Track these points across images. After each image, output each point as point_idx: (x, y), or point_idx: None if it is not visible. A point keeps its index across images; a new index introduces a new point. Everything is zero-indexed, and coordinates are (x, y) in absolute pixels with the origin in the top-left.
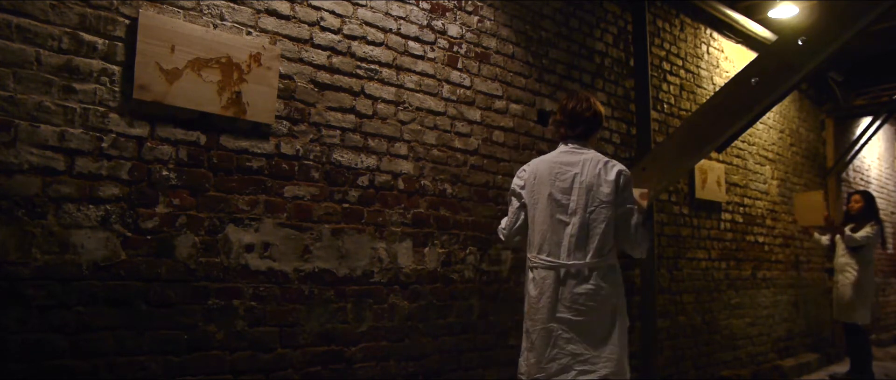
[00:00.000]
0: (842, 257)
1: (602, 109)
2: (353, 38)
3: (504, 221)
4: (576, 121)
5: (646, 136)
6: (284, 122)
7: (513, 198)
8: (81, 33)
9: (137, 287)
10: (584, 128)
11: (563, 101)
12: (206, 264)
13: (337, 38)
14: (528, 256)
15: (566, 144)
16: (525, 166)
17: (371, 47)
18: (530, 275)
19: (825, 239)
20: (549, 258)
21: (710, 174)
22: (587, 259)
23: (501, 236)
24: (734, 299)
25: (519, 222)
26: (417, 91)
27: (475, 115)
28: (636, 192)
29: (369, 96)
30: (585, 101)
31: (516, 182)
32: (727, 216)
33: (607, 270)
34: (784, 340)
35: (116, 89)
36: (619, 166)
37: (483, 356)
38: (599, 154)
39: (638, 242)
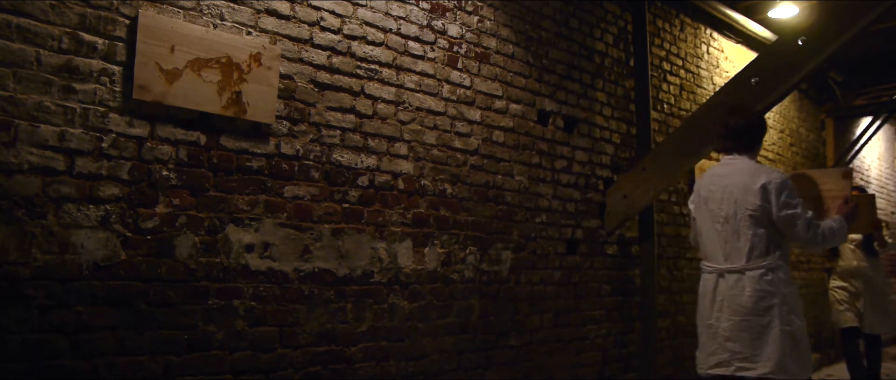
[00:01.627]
0: (862, 262)
1: (763, 115)
2: (353, 38)
3: (692, 232)
4: (738, 134)
5: (646, 136)
6: (284, 122)
7: (691, 213)
8: (81, 33)
9: (137, 287)
10: (747, 139)
11: (724, 117)
12: (206, 264)
13: (337, 38)
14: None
15: (728, 154)
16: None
17: (371, 47)
18: (702, 278)
19: None
20: (710, 264)
21: None
22: (740, 263)
23: (693, 244)
24: None
25: (697, 234)
26: (417, 91)
27: (475, 115)
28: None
29: (369, 96)
30: (747, 116)
31: (692, 197)
32: None
33: (764, 273)
34: None
35: (116, 89)
36: (765, 177)
37: (483, 356)
38: (751, 163)
39: (815, 241)
